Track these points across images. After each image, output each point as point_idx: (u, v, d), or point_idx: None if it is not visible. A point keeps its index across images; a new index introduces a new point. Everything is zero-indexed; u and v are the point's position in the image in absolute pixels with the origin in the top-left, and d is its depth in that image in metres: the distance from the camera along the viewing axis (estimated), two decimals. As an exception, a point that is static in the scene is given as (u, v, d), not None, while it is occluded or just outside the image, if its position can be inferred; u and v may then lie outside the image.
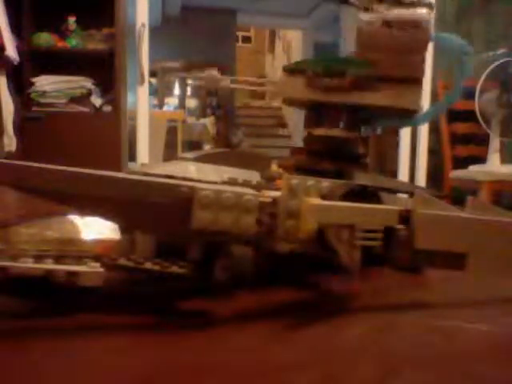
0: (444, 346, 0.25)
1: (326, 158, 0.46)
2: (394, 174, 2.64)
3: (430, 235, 0.30)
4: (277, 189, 0.35)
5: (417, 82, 0.43)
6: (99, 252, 0.32)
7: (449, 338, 0.27)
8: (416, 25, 0.42)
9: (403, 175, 2.35)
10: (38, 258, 0.29)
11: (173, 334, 0.27)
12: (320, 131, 0.47)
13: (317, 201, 0.30)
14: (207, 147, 4.41)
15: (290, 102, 0.51)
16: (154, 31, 2.87)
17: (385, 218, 0.31)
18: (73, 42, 2.48)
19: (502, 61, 2.15)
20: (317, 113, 0.48)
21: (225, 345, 0.26)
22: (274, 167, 0.49)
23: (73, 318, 0.29)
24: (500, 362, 0.24)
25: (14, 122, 2.12)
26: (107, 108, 2.52)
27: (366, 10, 0.43)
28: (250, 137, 6.36)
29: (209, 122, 4.96)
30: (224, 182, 0.36)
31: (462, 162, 2.38)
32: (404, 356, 0.24)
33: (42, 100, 2.42)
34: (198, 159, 0.40)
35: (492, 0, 2.51)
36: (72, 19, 2.47)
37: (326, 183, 0.32)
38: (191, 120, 5.05)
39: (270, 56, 9.62)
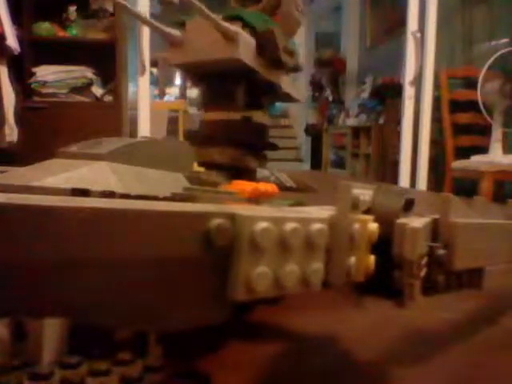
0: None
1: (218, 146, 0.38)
2: (395, 163, 2.63)
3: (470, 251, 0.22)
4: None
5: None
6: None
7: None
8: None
9: (405, 165, 2.34)
10: None
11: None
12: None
13: (418, 221, 0.19)
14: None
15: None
16: (155, 20, 2.85)
17: None
18: (73, 32, 2.47)
19: (504, 50, 2.14)
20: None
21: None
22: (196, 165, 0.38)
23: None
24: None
25: (15, 112, 2.11)
26: (108, 98, 2.51)
27: None
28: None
29: (210, 112, 4.94)
30: (176, 195, 0.20)
31: (464, 152, 2.38)
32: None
33: (43, 90, 2.41)
34: (108, 157, 0.23)
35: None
36: (72, 8, 2.46)
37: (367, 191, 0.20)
38: (192, 110, 5.03)
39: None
